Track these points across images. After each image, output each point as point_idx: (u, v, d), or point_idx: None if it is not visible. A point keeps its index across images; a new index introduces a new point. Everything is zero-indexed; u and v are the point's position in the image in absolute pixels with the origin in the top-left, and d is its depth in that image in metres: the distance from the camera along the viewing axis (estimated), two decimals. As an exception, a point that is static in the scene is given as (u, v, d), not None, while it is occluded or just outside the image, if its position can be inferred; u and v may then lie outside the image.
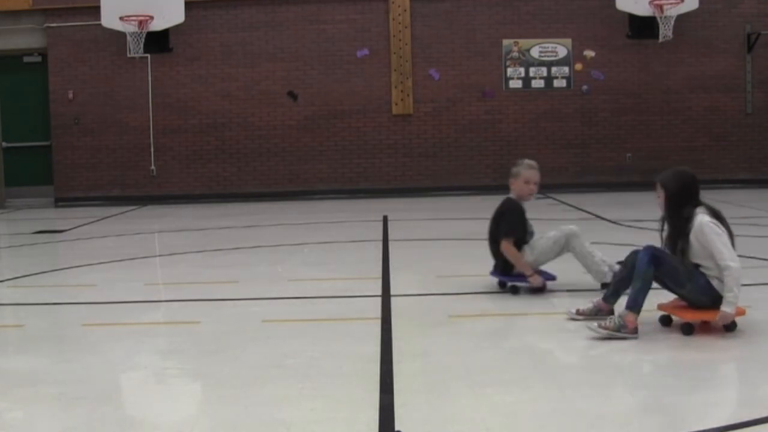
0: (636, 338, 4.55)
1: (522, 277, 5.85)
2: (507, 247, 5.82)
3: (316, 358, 4.39)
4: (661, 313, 4.87)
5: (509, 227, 5.86)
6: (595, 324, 4.64)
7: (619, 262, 5.36)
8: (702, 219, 4.68)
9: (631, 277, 4.72)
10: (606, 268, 5.76)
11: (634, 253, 4.79)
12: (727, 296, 4.55)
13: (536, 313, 5.53)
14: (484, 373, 4.05)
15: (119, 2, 14.26)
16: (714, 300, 4.63)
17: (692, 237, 4.69)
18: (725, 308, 4.55)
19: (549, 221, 10.89)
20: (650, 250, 4.70)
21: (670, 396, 3.65)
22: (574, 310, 5.08)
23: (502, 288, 5.98)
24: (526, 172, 5.94)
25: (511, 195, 6.00)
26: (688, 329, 4.67)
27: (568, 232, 5.86)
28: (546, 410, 3.50)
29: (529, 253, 5.88)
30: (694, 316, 4.69)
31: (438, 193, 15.05)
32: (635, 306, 4.61)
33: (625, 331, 4.55)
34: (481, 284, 6.22)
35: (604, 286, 5.64)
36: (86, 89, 15.25)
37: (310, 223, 11.17)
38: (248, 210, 13.33)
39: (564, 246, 5.88)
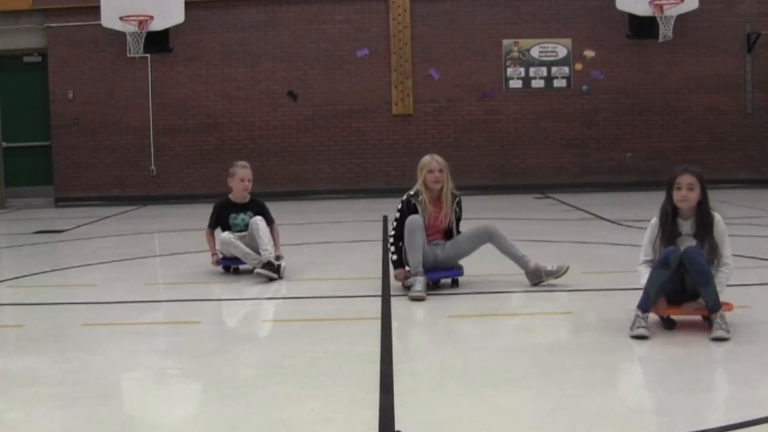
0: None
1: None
2: (205, 235, 6.96)
3: (316, 358, 4.38)
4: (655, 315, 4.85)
5: (210, 220, 7.05)
6: (721, 331, 4.47)
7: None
8: (719, 215, 4.75)
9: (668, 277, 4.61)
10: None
11: (672, 254, 4.60)
12: (717, 289, 4.63)
13: (536, 313, 5.53)
14: (483, 373, 4.05)
15: (119, 2, 14.25)
16: None
17: (715, 233, 4.71)
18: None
19: (549, 221, 10.90)
20: (699, 249, 4.64)
21: (670, 396, 3.65)
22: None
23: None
24: (241, 171, 6.91)
25: (230, 194, 7.03)
26: (670, 324, 4.73)
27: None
28: (546, 410, 3.50)
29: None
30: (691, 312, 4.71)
31: (438, 193, 15.01)
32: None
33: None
34: (481, 284, 6.21)
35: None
36: (86, 89, 15.25)
37: (309, 223, 11.16)
38: (248, 210, 13.29)
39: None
